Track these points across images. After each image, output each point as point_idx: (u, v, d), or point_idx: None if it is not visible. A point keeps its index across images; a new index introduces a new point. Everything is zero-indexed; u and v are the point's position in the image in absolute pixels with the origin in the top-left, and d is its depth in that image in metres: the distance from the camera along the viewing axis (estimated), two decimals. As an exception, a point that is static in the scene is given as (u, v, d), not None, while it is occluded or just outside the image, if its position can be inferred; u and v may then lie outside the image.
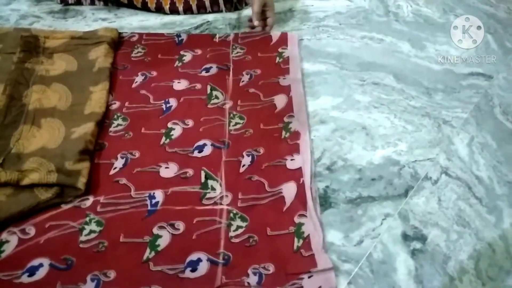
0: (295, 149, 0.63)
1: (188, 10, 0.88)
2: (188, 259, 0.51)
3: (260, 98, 0.71)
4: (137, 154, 0.62)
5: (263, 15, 0.83)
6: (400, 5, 0.96)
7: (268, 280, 0.49)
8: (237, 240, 0.53)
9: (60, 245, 0.52)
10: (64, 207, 0.55)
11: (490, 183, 0.62)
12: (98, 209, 0.55)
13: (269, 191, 0.58)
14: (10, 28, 0.80)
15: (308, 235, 0.53)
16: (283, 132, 0.65)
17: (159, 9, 0.87)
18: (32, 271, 0.49)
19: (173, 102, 0.70)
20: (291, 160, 0.61)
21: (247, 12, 0.89)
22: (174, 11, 0.87)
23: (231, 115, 0.68)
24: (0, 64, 0.71)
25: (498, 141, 0.68)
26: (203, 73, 0.75)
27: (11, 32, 0.77)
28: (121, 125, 0.66)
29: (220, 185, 0.59)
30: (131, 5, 0.88)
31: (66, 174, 0.55)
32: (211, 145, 0.63)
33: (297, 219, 0.55)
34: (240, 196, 0.57)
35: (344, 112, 0.71)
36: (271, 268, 0.50)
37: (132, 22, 0.86)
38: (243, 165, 0.61)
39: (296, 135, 0.65)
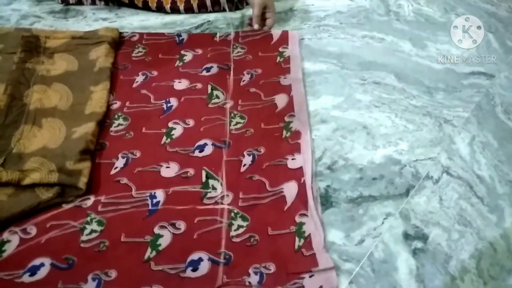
0: (296, 149, 0.63)
1: (189, 10, 0.88)
2: (189, 259, 0.51)
3: (261, 98, 0.71)
4: (138, 154, 0.62)
5: (263, 16, 0.83)
6: (401, 4, 0.96)
7: (269, 279, 0.49)
8: (238, 240, 0.53)
9: (61, 245, 0.52)
10: (65, 206, 0.55)
11: (492, 182, 0.62)
12: (99, 208, 0.55)
13: (270, 190, 0.58)
14: (11, 28, 0.80)
15: (309, 235, 0.53)
16: (284, 132, 0.65)
17: (160, 9, 0.87)
18: (33, 271, 0.49)
19: (173, 102, 0.70)
20: (292, 159, 0.61)
21: (248, 11, 0.89)
22: (175, 10, 0.87)
23: (232, 114, 0.68)
24: (1, 64, 0.71)
25: (500, 140, 0.68)
26: (204, 73, 0.75)
27: (12, 32, 0.77)
28: (122, 124, 0.66)
29: (221, 184, 0.59)
30: (132, 5, 0.88)
31: (67, 173, 0.55)
32: (212, 144, 0.63)
33: (298, 219, 0.55)
34: (241, 195, 0.57)
35: (345, 111, 0.71)
36: (272, 268, 0.50)
37: (133, 22, 0.86)
38: (244, 165, 0.61)
39: (297, 134, 0.65)
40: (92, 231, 0.53)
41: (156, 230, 0.53)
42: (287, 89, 0.72)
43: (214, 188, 0.58)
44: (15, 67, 0.69)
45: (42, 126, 0.63)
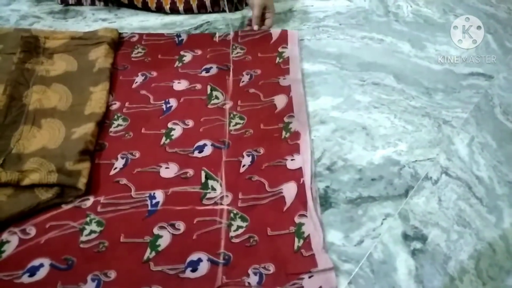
0: (295, 149, 0.63)
1: (188, 10, 0.88)
2: (188, 259, 0.51)
3: (260, 98, 0.71)
4: (138, 155, 0.62)
5: (262, 17, 0.83)
6: (400, 5, 0.96)
7: (268, 280, 0.49)
8: (237, 240, 0.53)
9: (60, 245, 0.52)
10: (65, 207, 0.55)
11: (491, 183, 0.62)
12: (99, 209, 0.55)
13: (270, 191, 0.58)
14: (10, 28, 0.80)
15: (309, 235, 0.53)
16: (283, 132, 0.65)
17: (160, 9, 0.87)
18: (32, 271, 0.49)
19: (173, 103, 0.70)
20: (291, 160, 0.61)
21: (247, 12, 0.89)
22: (174, 10, 0.87)
23: (231, 115, 0.68)
24: (1, 64, 0.71)
25: (498, 141, 0.68)
26: (203, 74, 0.75)
27: (11, 33, 0.77)
28: (121, 125, 0.66)
29: (221, 185, 0.59)
30: (131, 5, 0.88)
31: (67, 174, 0.55)
32: (211, 145, 0.63)
33: (297, 219, 0.55)
34: (240, 196, 0.57)
35: (344, 112, 0.71)
36: (272, 268, 0.50)
37: (132, 22, 0.86)
38: (243, 165, 0.61)
39: (296, 135, 0.65)
40: (92, 231, 0.53)
41: (156, 230, 0.53)
42: (287, 90, 0.72)
43: (213, 189, 0.58)
44: (14, 67, 0.69)
45: (42, 126, 0.63)
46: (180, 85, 0.73)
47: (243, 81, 0.74)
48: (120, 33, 0.80)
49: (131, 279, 0.49)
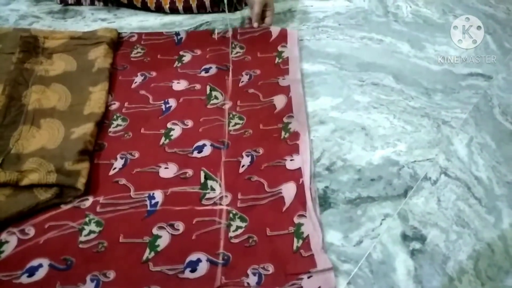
0: (295, 150, 0.63)
1: (188, 10, 0.88)
2: (187, 260, 0.51)
3: (260, 99, 0.71)
4: (137, 155, 0.62)
5: (262, 15, 0.83)
6: (400, 6, 0.96)
7: (267, 280, 0.49)
8: (236, 241, 0.53)
9: (59, 246, 0.52)
10: (64, 207, 0.55)
11: (489, 183, 0.63)
12: (98, 209, 0.55)
13: (269, 191, 0.58)
14: (9, 28, 0.80)
15: (308, 236, 0.53)
16: (283, 133, 0.65)
17: (159, 9, 0.87)
18: (31, 272, 0.49)
19: (172, 103, 0.70)
20: (291, 160, 0.61)
21: (247, 12, 0.89)
22: (174, 10, 0.87)
23: (231, 115, 0.68)
24: (0, 64, 0.71)
25: (497, 141, 0.69)
26: (203, 74, 0.75)
27: (11, 32, 0.77)
28: (120, 125, 0.66)
29: (220, 185, 0.59)
30: (131, 5, 0.88)
31: (66, 174, 0.55)
32: (211, 145, 0.63)
33: (296, 220, 0.55)
34: (239, 196, 0.57)
35: (344, 112, 0.71)
36: (271, 269, 0.50)
37: (132, 22, 0.86)
38: (243, 166, 0.61)
39: (295, 135, 0.65)
40: (91, 231, 0.53)
41: (155, 231, 0.53)
42: (286, 90, 0.72)
43: (212, 189, 0.58)
44: (13, 67, 0.69)
45: (41, 126, 0.63)
46: (179, 85, 0.73)
47: (242, 81, 0.74)
48: (119, 33, 0.80)
49: (130, 279, 0.49)
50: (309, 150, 0.63)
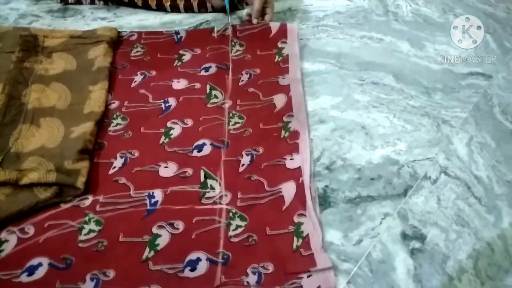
0: (295, 149, 0.63)
1: (189, 9, 0.88)
2: (187, 259, 0.51)
3: (260, 98, 0.71)
4: (136, 154, 0.62)
5: (262, 12, 0.83)
6: (400, 5, 0.96)
7: (267, 279, 0.49)
8: (236, 240, 0.53)
9: (59, 245, 0.52)
10: (63, 206, 0.55)
11: (489, 182, 0.63)
12: (97, 208, 0.55)
13: (269, 190, 0.58)
14: (9, 27, 0.79)
15: (308, 235, 0.53)
16: (283, 132, 0.65)
17: (160, 7, 0.87)
18: (31, 271, 0.49)
19: (172, 102, 0.70)
20: (291, 159, 0.61)
21: (247, 12, 0.89)
22: (175, 8, 0.87)
23: (231, 114, 0.68)
24: (-1, 63, 0.71)
25: (497, 140, 0.69)
26: (203, 73, 0.75)
27: (10, 31, 0.77)
28: (120, 124, 0.66)
29: (220, 184, 0.59)
30: (131, 4, 0.88)
31: (65, 173, 0.55)
32: (211, 144, 0.63)
33: (296, 219, 0.55)
34: (239, 195, 0.57)
35: (344, 111, 0.71)
36: (270, 268, 0.50)
37: (131, 21, 0.86)
38: (243, 165, 0.61)
39: (295, 134, 0.65)
40: (90, 230, 0.53)
41: (155, 230, 0.53)
42: (286, 89, 0.72)
43: (212, 188, 0.58)
44: (13, 66, 0.69)
45: (40, 125, 0.63)
46: (179, 84, 0.73)
47: (242, 80, 0.74)
48: (119, 32, 0.80)
49: (130, 278, 0.49)
50: (309, 149, 0.63)
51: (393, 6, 0.95)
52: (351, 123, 0.69)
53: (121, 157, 0.61)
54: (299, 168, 0.60)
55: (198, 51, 0.79)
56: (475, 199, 0.60)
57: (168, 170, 0.60)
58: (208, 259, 0.51)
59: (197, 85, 0.72)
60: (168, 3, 0.86)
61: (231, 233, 0.53)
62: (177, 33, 0.81)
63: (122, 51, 0.78)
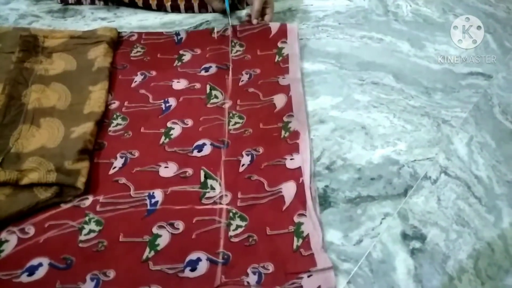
0: (295, 149, 0.63)
1: (189, 9, 0.88)
2: (187, 259, 0.51)
3: (260, 98, 0.71)
4: (137, 154, 0.62)
5: (262, 12, 0.83)
6: (400, 5, 0.96)
7: (267, 279, 0.49)
8: (236, 240, 0.53)
9: (59, 245, 0.52)
10: (64, 206, 0.55)
11: (489, 182, 0.63)
12: (98, 208, 0.55)
13: (269, 190, 0.58)
14: (9, 27, 0.79)
15: (308, 235, 0.53)
16: (283, 132, 0.65)
17: (160, 7, 0.87)
18: (31, 271, 0.49)
19: (172, 102, 0.70)
20: (291, 159, 0.61)
21: (247, 12, 0.89)
22: (175, 8, 0.87)
23: (231, 114, 0.68)
24: (-1, 63, 0.71)
25: (497, 140, 0.69)
26: (203, 73, 0.75)
27: (10, 32, 0.77)
28: (120, 124, 0.66)
29: (220, 184, 0.59)
30: (132, 4, 0.88)
31: (66, 173, 0.55)
32: (211, 144, 0.63)
33: (296, 219, 0.55)
34: (239, 195, 0.57)
35: (344, 111, 0.71)
36: (271, 268, 0.50)
37: (131, 21, 0.86)
38: (243, 165, 0.61)
39: (295, 134, 0.65)
40: (91, 231, 0.53)
41: (155, 230, 0.53)
42: (286, 89, 0.72)
43: (212, 188, 0.58)
44: (13, 66, 0.69)
45: (41, 125, 0.63)
46: (179, 84, 0.73)
47: (242, 81, 0.74)
48: (119, 32, 0.80)
49: (130, 278, 0.49)
50: (309, 149, 0.63)
51: (393, 6, 0.95)
52: (351, 123, 0.69)
53: (121, 157, 0.61)
54: (299, 168, 0.60)
55: (198, 51, 0.79)
56: (475, 199, 0.60)
57: (168, 170, 0.60)
58: (208, 259, 0.51)
59: (197, 85, 0.72)
60: (169, 3, 0.86)
61: (231, 233, 0.53)
62: (177, 34, 0.81)
63: (122, 51, 0.78)
